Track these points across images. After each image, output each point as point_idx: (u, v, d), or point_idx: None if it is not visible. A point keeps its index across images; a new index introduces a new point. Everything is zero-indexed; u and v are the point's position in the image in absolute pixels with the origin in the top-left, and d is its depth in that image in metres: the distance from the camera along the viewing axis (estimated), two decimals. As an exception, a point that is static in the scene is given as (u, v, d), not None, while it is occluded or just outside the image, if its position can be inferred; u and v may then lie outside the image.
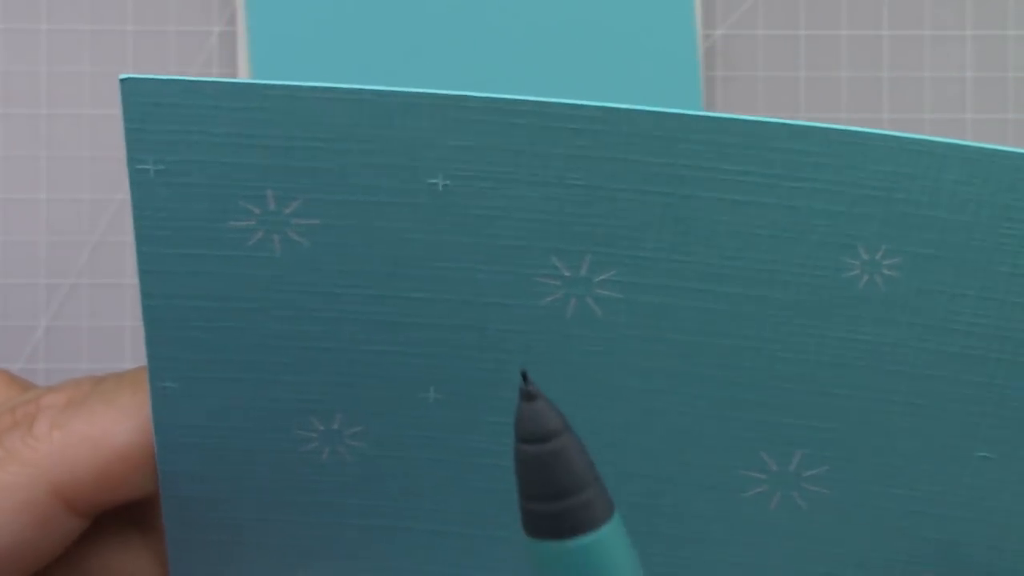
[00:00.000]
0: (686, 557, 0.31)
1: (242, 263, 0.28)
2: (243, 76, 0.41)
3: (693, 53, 0.42)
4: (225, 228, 0.28)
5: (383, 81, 0.41)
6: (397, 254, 0.28)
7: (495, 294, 0.28)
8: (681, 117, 0.27)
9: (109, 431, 0.30)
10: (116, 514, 0.32)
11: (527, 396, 0.26)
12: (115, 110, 0.42)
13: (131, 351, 0.41)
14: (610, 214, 0.28)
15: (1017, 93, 0.43)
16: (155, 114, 0.27)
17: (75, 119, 0.42)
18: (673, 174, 0.27)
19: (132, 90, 0.27)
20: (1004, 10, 0.43)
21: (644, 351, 0.29)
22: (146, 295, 0.28)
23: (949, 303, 0.28)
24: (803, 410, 0.29)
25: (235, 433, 0.30)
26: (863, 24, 0.43)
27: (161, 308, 0.28)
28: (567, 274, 0.28)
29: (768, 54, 0.43)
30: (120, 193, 0.41)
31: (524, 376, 0.26)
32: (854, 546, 0.30)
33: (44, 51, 0.42)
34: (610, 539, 0.26)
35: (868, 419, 0.29)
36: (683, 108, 0.27)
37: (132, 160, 0.27)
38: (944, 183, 0.27)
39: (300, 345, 0.29)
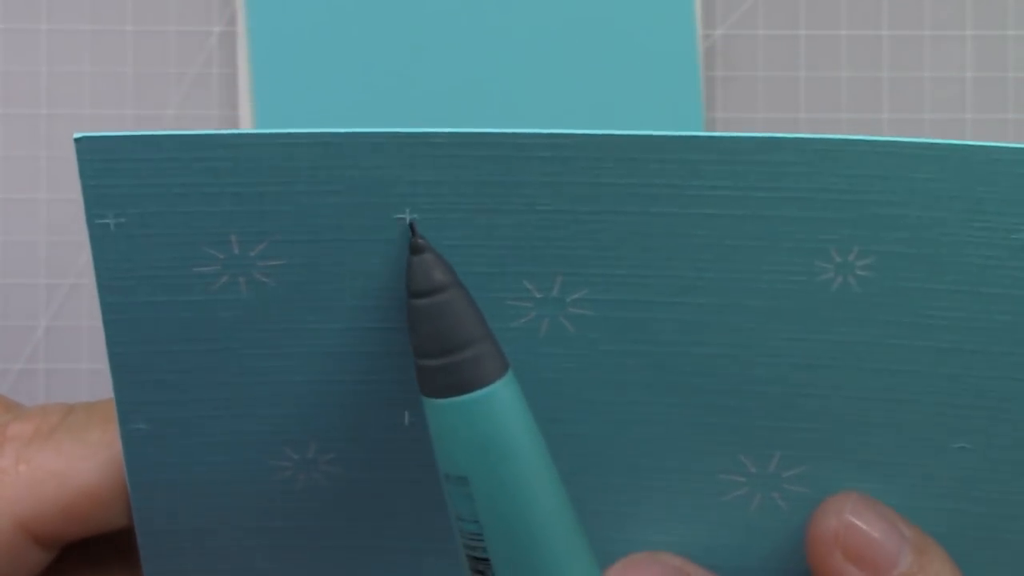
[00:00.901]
0: None
1: (208, 307, 0.28)
2: (243, 76, 0.41)
3: (693, 53, 0.42)
4: (189, 274, 0.27)
5: (383, 80, 0.41)
6: (365, 287, 0.28)
7: None
8: (649, 139, 0.27)
9: (76, 467, 0.30)
10: (96, 540, 0.31)
11: (415, 249, 0.26)
12: (115, 110, 0.42)
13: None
14: (581, 236, 0.28)
15: (1017, 93, 0.43)
16: (112, 170, 0.27)
17: (75, 119, 0.42)
18: (644, 194, 0.27)
19: (87, 147, 0.27)
20: (1004, 10, 0.43)
21: (618, 365, 0.29)
22: (111, 343, 0.28)
23: (923, 299, 0.28)
24: (780, 412, 0.29)
25: (208, 468, 0.30)
26: (863, 24, 0.43)
27: (128, 355, 0.28)
28: (539, 296, 0.28)
29: (768, 54, 0.43)
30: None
31: (412, 228, 0.27)
32: None
33: (44, 51, 0.42)
34: (502, 396, 0.26)
35: (845, 417, 0.29)
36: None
37: (91, 215, 0.27)
38: (916, 182, 0.27)
39: (271, 380, 0.29)
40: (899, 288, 0.28)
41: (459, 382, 0.26)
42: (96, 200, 0.27)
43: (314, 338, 0.28)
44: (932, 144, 0.27)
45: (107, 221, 0.27)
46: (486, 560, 0.27)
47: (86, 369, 0.41)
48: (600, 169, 0.27)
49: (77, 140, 0.27)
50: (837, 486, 0.30)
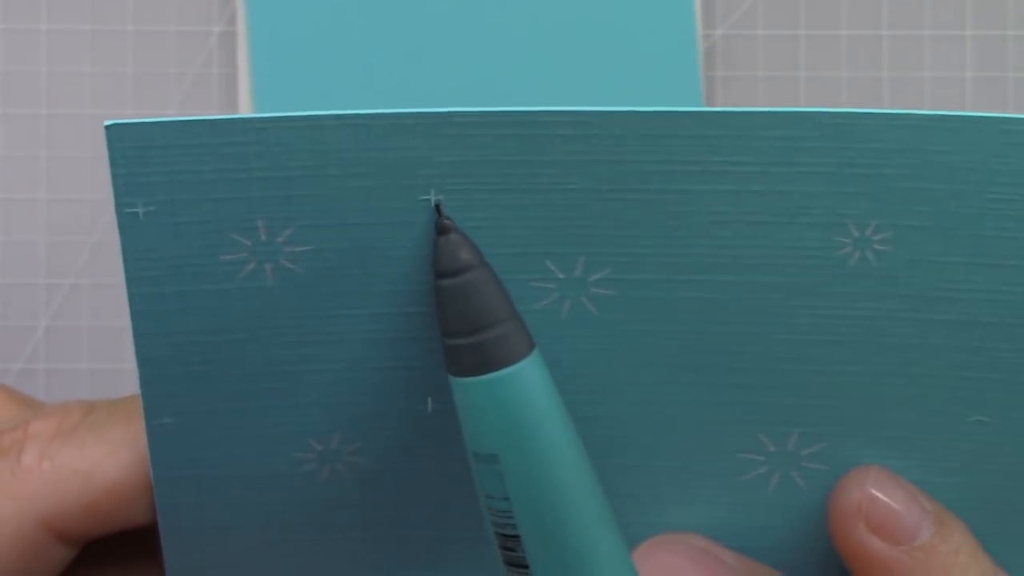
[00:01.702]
0: None
1: (234, 295, 0.28)
2: (243, 76, 0.41)
3: (693, 53, 0.42)
4: (216, 262, 0.28)
5: (384, 80, 0.41)
6: (391, 272, 0.28)
7: None
8: (669, 115, 0.27)
9: (100, 465, 0.30)
10: (119, 536, 0.32)
11: (442, 229, 0.27)
12: (115, 111, 0.42)
13: (131, 351, 0.41)
14: (603, 215, 0.28)
15: (1017, 93, 0.43)
16: (142, 157, 0.27)
17: (75, 119, 0.42)
18: (665, 171, 0.27)
19: (117, 135, 0.27)
20: (1004, 10, 0.43)
21: (640, 345, 0.29)
22: (139, 335, 0.28)
23: (940, 272, 0.28)
24: (799, 389, 0.29)
25: (232, 461, 0.30)
26: (863, 24, 0.43)
27: (155, 347, 0.28)
28: (562, 276, 0.28)
29: (768, 54, 0.43)
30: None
31: (438, 209, 0.27)
32: None
33: (44, 51, 0.42)
34: (529, 373, 0.27)
35: (863, 393, 0.29)
36: (679, 107, 0.28)
37: (120, 204, 0.27)
38: (931, 154, 0.27)
39: (297, 370, 0.29)
40: (916, 261, 0.28)
41: (486, 360, 0.27)
42: (126, 188, 0.27)
43: (340, 324, 0.28)
44: (947, 116, 0.27)
45: (136, 210, 0.27)
46: (516, 537, 0.27)
47: (86, 369, 0.41)
48: (622, 147, 0.27)
49: (108, 127, 0.27)
50: (855, 463, 0.30)
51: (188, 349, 0.28)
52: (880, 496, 0.30)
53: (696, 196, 0.28)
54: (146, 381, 0.29)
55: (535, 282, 0.28)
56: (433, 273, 0.27)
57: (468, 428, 0.27)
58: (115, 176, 0.27)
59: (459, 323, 0.27)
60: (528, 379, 0.27)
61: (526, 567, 0.28)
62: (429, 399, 0.29)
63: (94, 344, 0.42)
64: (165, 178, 0.27)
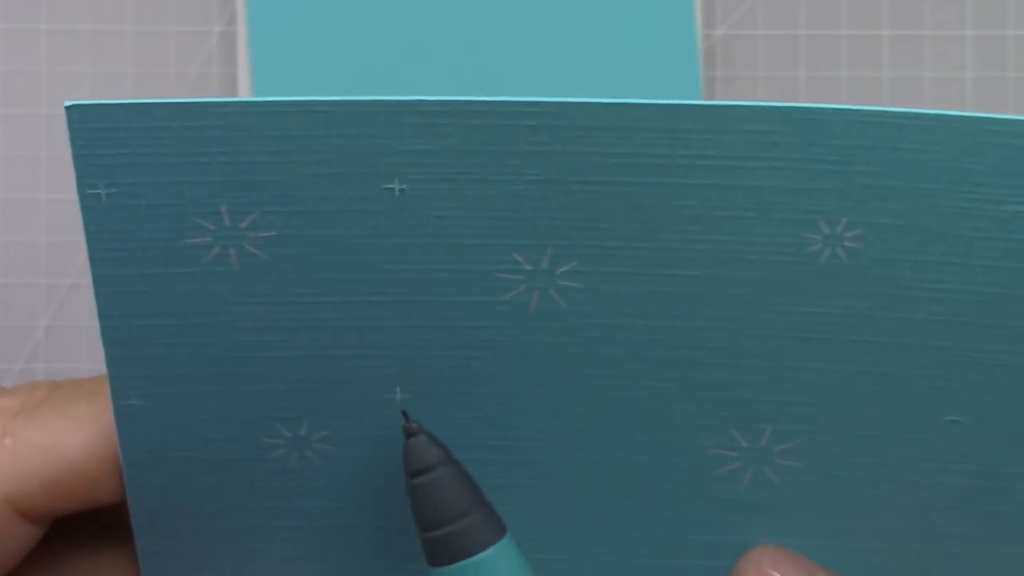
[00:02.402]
0: (661, 537, 0.31)
1: (199, 279, 0.28)
2: (243, 76, 0.41)
3: (693, 53, 0.42)
4: (180, 246, 0.27)
5: (384, 80, 0.41)
6: (357, 260, 0.28)
7: (458, 293, 0.28)
8: (637, 107, 0.27)
9: (61, 441, 0.30)
10: (89, 516, 0.31)
11: (409, 433, 0.29)
12: (115, 110, 0.42)
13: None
14: (570, 206, 0.28)
15: (1017, 93, 0.43)
16: (104, 138, 0.27)
17: (75, 119, 0.42)
18: (633, 163, 0.27)
19: (79, 116, 0.27)
20: (1004, 10, 0.43)
21: (609, 339, 0.29)
22: (104, 316, 0.28)
23: (912, 271, 0.28)
24: (771, 386, 0.29)
25: (201, 444, 0.30)
26: (863, 24, 0.43)
27: (120, 328, 0.28)
28: (529, 268, 0.28)
29: (768, 54, 0.43)
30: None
31: (404, 415, 0.29)
32: (828, 517, 0.31)
33: (44, 51, 0.42)
34: (500, 558, 0.29)
35: (836, 390, 0.29)
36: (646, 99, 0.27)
37: (82, 185, 0.27)
38: (903, 152, 0.27)
39: (263, 355, 0.29)
40: (888, 260, 0.28)
41: (458, 550, 0.28)
42: (87, 169, 0.27)
43: (305, 312, 0.28)
44: (919, 114, 0.27)
45: (98, 191, 0.27)
46: None
47: (86, 369, 0.41)
48: (589, 138, 0.27)
49: (68, 108, 0.26)
50: (829, 460, 0.30)
51: (154, 331, 0.28)
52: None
53: (664, 190, 0.28)
54: (112, 362, 0.29)
55: (502, 273, 0.28)
56: (405, 473, 0.29)
57: None
58: (76, 156, 0.27)
59: (431, 517, 0.28)
60: (500, 563, 0.29)
61: None
62: (398, 388, 0.29)
63: (94, 344, 0.42)
64: (127, 160, 0.27)
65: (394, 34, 0.41)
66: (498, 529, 0.29)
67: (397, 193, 0.27)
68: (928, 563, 0.31)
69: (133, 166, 0.27)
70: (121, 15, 0.42)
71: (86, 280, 0.42)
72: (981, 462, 0.30)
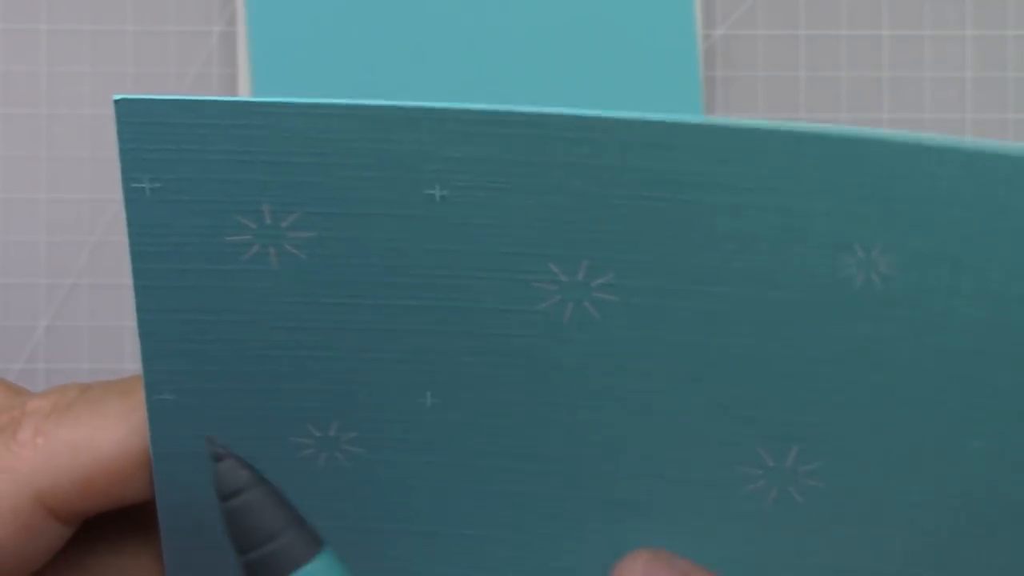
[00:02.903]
0: (685, 553, 0.31)
1: (238, 276, 0.28)
2: (243, 76, 0.41)
3: (693, 53, 0.42)
4: (221, 243, 0.28)
5: (383, 81, 0.41)
6: (394, 264, 0.28)
7: (492, 300, 0.28)
8: (678, 126, 0.27)
9: (93, 439, 0.30)
10: (115, 515, 0.32)
11: (216, 457, 0.29)
12: (115, 110, 0.42)
13: (131, 351, 0.41)
14: (607, 219, 0.28)
15: (1017, 93, 0.43)
16: (150, 133, 0.27)
17: (75, 119, 0.42)
18: (671, 180, 0.27)
19: (127, 110, 0.27)
20: (1004, 10, 0.43)
21: (641, 352, 0.29)
22: (141, 309, 0.28)
23: (945, 299, 0.28)
24: (799, 406, 0.29)
25: (231, 442, 0.30)
26: (863, 24, 0.43)
27: (157, 322, 0.28)
28: (564, 279, 0.28)
29: (768, 54, 0.43)
30: (120, 193, 0.42)
31: (209, 440, 0.29)
32: (852, 538, 0.31)
33: (44, 51, 0.42)
34: (317, 572, 0.29)
35: (863, 414, 0.29)
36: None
37: (127, 179, 0.27)
38: (940, 180, 0.27)
39: (297, 355, 0.29)
40: (921, 287, 0.28)
41: (276, 570, 0.28)
42: (133, 163, 0.27)
43: (340, 313, 0.28)
44: (958, 145, 0.27)
45: (143, 185, 0.27)
46: None
47: (86, 369, 0.41)
48: (629, 153, 0.27)
49: (117, 101, 0.27)
50: (854, 482, 0.30)
51: (190, 327, 0.28)
52: None
53: (700, 208, 0.28)
54: (148, 356, 0.29)
55: (537, 283, 0.28)
56: (218, 497, 0.29)
57: None
58: (122, 151, 0.27)
59: (245, 540, 0.28)
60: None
61: None
62: (428, 393, 0.29)
63: (94, 344, 0.42)
64: (172, 156, 0.27)
65: (394, 34, 0.41)
66: (314, 544, 0.29)
67: (437, 199, 0.27)
68: None
69: (178, 162, 0.27)
70: (121, 15, 0.42)
71: (86, 280, 0.42)
72: (1005, 491, 0.30)
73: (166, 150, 0.27)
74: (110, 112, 0.42)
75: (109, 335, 0.42)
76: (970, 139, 0.27)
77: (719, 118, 0.27)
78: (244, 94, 0.41)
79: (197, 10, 0.42)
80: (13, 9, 0.42)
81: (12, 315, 0.42)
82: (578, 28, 0.41)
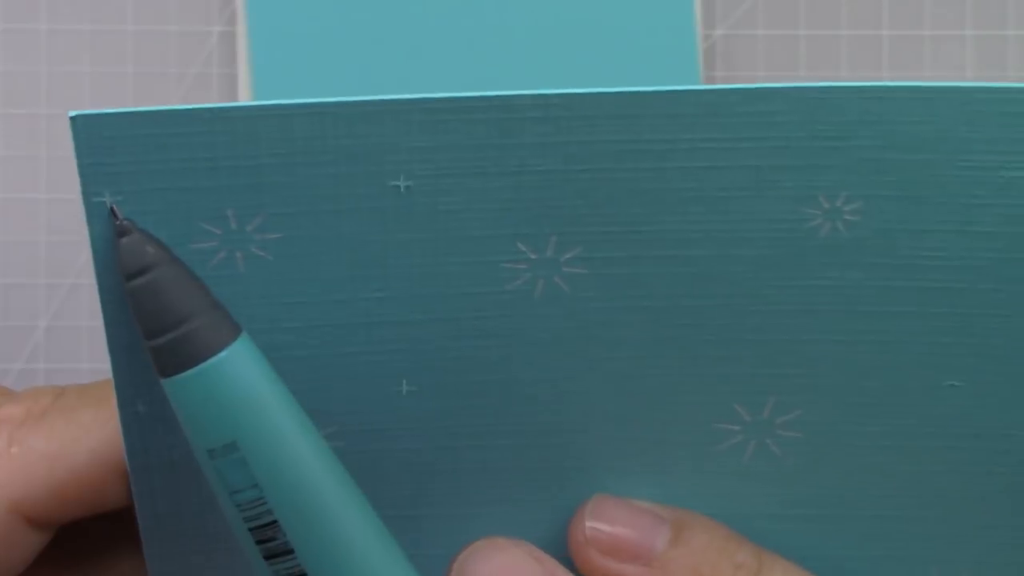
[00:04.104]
0: None
1: (206, 283, 0.28)
2: (243, 76, 0.41)
3: (693, 53, 0.42)
4: (187, 251, 0.28)
5: (384, 80, 0.41)
6: (362, 257, 0.28)
7: (464, 285, 0.29)
8: (638, 95, 0.27)
9: (68, 449, 0.30)
10: (96, 517, 0.31)
11: (120, 231, 0.27)
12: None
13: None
14: (573, 194, 0.28)
15: (1017, 93, 0.43)
16: (108, 147, 0.27)
17: (75, 119, 0.42)
18: (637, 149, 0.28)
19: (83, 125, 0.27)
20: (1004, 10, 0.43)
21: (614, 321, 0.29)
22: (109, 323, 0.28)
23: (911, 240, 0.29)
24: (773, 359, 0.30)
25: None
26: (863, 24, 0.43)
27: (126, 335, 0.28)
28: (533, 256, 0.29)
29: (768, 54, 0.43)
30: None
31: (113, 211, 0.27)
32: (830, 486, 0.31)
33: (44, 51, 0.42)
34: (237, 361, 0.27)
35: (837, 361, 0.30)
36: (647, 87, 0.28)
37: (87, 194, 0.27)
38: (900, 124, 0.28)
39: (270, 356, 0.29)
40: (887, 230, 0.29)
41: (188, 356, 0.26)
42: (93, 178, 0.27)
43: (310, 311, 0.29)
44: (916, 87, 0.27)
45: (104, 199, 0.27)
46: (274, 523, 0.27)
47: (86, 369, 0.41)
48: (593, 127, 0.27)
49: (72, 118, 0.27)
50: (830, 429, 0.31)
51: None
52: (602, 526, 0.30)
53: (666, 173, 0.28)
54: (118, 369, 0.29)
55: (507, 263, 0.29)
56: (122, 277, 0.27)
57: (194, 427, 0.27)
58: (81, 166, 0.27)
59: (153, 322, 0.26)
60: (238, 365, 0.27)
61: (290, 552, 0.28)
62: (404, 381, 0.30)
63: (94, 344, 0.42)
64: (132, 168, 0.27)
65: (394, 33, 0.41)
66: (230, 330, 0.27)
67: (402, 190, 0.28)
68: (930, 527, 0.31)
69: (138, 174, 0.27)
70: (121, 15, 0.42)
71: (86, 280, 0.42)
72: (980, 425, 0.30)
73: (125, 163, 0.27)
74: (110, 112, 0.42)
75: (109, 335, 0.42)
76: (928, 82, 0.28)
77: (676, 87, 0.27)
78: (244, 94, 0.41)
79: (197, 10, 0.42)
80: (13, 9, 0.42)
81: (12, 315, 0.42)
82: (578, 28, 0.41)
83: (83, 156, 0.27)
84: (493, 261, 0.28)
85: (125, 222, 0.27)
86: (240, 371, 0.27)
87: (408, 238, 0.28)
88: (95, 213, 0.27)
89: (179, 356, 0.26)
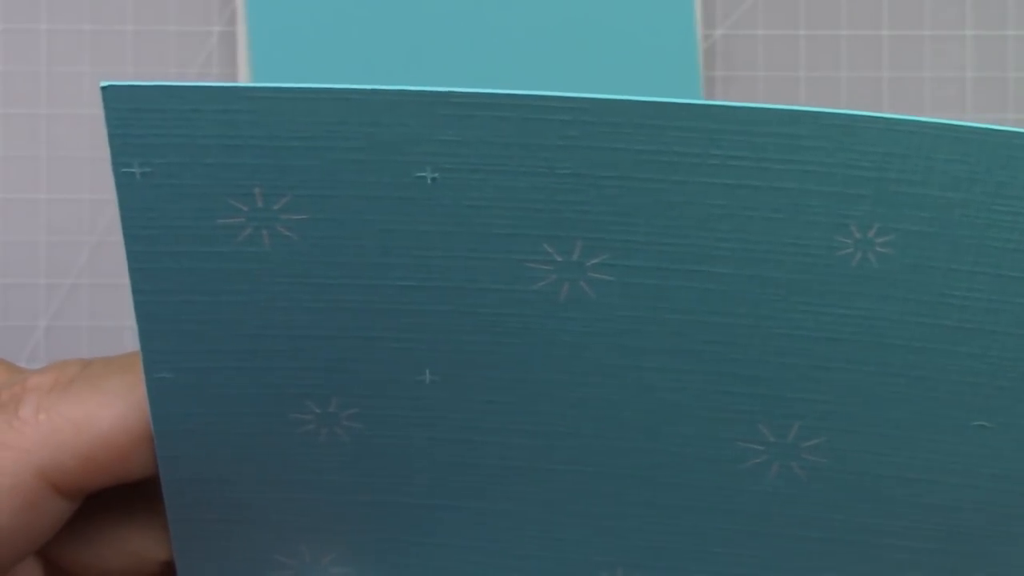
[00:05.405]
0: (685, 526, 0.31)
1: (231, 258, 0.28)
2: (243, 76, 0.41)
3: (693, 53, 0.42)
4: (213, 226, 0.28)
5: (383, 80, 0.41)
6: (387, 245, 0.28)
7: (487, 280, 0.29)
8: (670, 106, 0.27)
9: (94, 415, 0.30)
10: (120, 487, 0.32)
11: None
12: (115, 110, 0.42)
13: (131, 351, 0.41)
14: (600, 201, 0.28)
15: (1017, 93, 0.43)
16: (138, 119, 0.27)
17: (75, 119, 0.42)
18: (663, 161, 0.28)
19: (114, 96, 0.27)
20: (1004, 10, 0.43)
21: (638, 330, 0.29)
22: (137, 291, 0.29)
23: (943, 278, 0.28)
24: (800, 383, 0.30)
25: (232, 418, 0.30)
26: (863, 24, 0.43)
27: (153, 303, 0.29)
28: (559, 259, 0.29)
29: (768, 54, 0.43)
30: (120, 193, 0.42)
31: None
32: (852, 513, 0.31)
33: (44, 51, 0.42)
34: None
35: (864, 391, 0.30)
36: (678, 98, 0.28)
37: (117, 163, 0.27)
38: (936, 162, 0.27)
39: (293, 335, 0.29)
40: (919, 266, 0.28)
41: None
42: (122, 149, 0.27)
43: (335, 293, 0.29)
44: (954, 126, 0.27)
45: (133, 170, 0.28)
46: None
47: (86, 369, 0.41)
48: (619, 135, 0.27)
49: (104, 88, 0.27)
50: (855, 458, 0.30)
51: (185, 308, 0.29)
52: None
53: (694, 188, 0.28)
54: (145, 336, 0.29)
55: (532, 263, 0.29)
56: None
57: None
58: (111, 136, 0.27)
59: None
60: None
61: None
62: (427, 371, 0.30)
63: (94, 344, 0.42)
64: (161, 141, 0.27)
65: (394, 33, 0.41)
66: None
67: (429, 182, 0.28)
68: (952, 561, 0.31)
69: (167, 147, 0.27)
70: (121, 15, 0.42)
71: (86, 280, 0.42)
72: (1007, 467, 0.30)
73: (155, 135, 0.27)
74: (110, 112, 0.42)
75: (109, 335, 0.42)
76: (967, 122, 0.27)
77: (706, 101, 0.27)
78: (244, 94, 0.41)
79: (197, 10, 0.42)
80: (13, 9, 0.42)
81: (12, 315, 0.42)
82: (578, 28, 0.41)
83: (113, 126, 0.27)
84: (519, 260, 0.28)
85: None
86: None
87: (433, 230, 0.28)
88: (124, 183, 0.28)
89: None
